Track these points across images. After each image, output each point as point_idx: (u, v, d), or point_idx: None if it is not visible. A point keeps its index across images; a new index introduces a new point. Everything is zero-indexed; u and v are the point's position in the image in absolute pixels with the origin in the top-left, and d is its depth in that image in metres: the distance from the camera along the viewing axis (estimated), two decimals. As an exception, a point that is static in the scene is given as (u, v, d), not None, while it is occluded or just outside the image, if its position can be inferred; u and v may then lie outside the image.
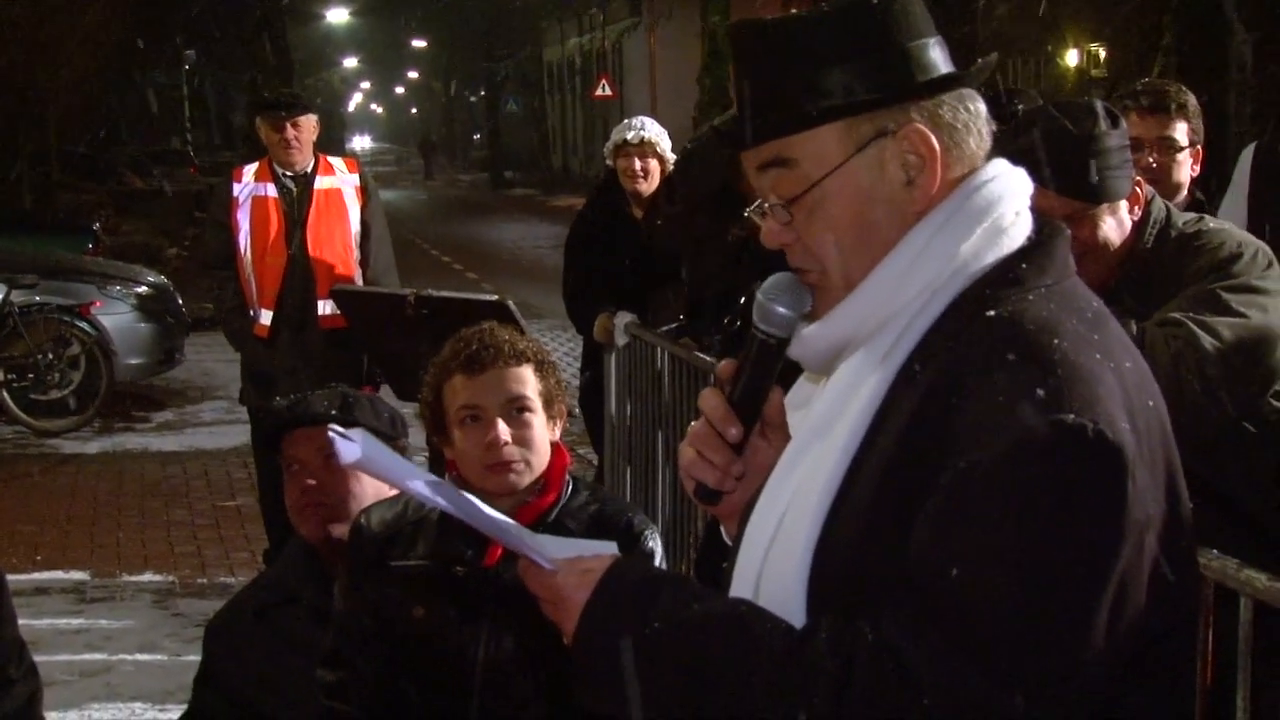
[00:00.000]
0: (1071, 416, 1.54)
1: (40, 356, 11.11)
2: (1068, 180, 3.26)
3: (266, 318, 6.88)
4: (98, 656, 6.28)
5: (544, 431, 2.94)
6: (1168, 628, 1.65)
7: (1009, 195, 1.71)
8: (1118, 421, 1.57)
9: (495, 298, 5.65)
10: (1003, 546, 1.53)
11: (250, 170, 7.07)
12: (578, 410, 7.37)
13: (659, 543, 3.01)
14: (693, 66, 30.58)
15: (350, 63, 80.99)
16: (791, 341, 1.78)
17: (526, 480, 2.92)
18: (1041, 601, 1.53)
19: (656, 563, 2.97)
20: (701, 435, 1.82)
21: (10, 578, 3.45)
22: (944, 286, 1.67)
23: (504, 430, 2.88)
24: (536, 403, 2.93)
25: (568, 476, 3.01)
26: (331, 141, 50.84)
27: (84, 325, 11.32)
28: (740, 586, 1.75)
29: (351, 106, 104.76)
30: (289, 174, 6.95)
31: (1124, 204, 3.37)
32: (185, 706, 3.53)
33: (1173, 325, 3.23)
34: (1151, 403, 1.66)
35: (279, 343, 6.90)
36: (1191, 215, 3.54)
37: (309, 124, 6.98)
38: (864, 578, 1.61)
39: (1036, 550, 1.53)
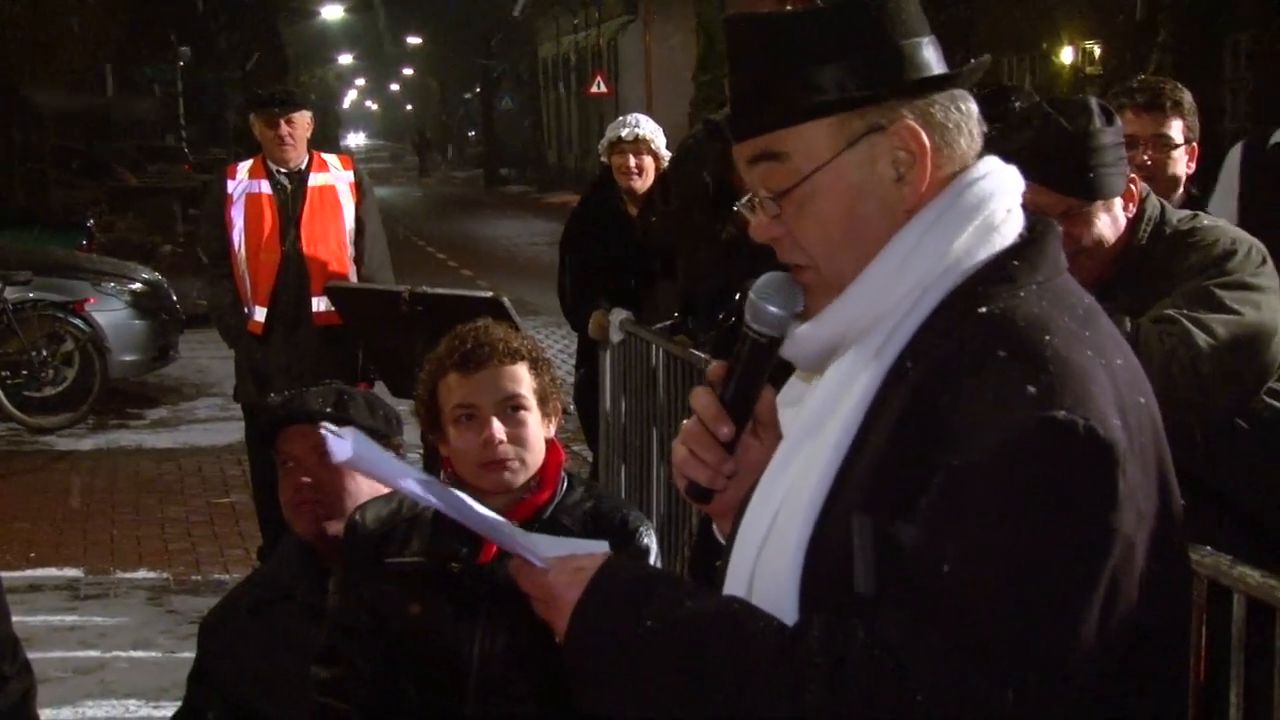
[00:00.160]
0: (1063, 413, 1.54)
1: (34, 353, 11.10)
2: (1063, 177, 3.26)
3: (261, 314, 6.88)
4: (92, 653, 6.27)
5: (539, 429, 2.94)
6: (1159, 624, 1.65)
7: (1000, 193, 1.72)
8: (1109, 418, 1.57)
9: (490, 294, 5.65)
10: (995, 543, 1.53)
11: (244, 167, 7.06)
12: (572, 407, 7.37)
13: (654, 539, 3.01)
14: (688, 63, 30.62)
15: (345, 59, 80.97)
16: (784, 341, 1.78)
17: (522, 478, 2.92)
18: (1033, 598, 1.53)
19: (651, 560, 2.98)
20: (693, 434, 1.83)
21: (4, 574, 3.45)
22: (935, 284, 1.68)
23: (499, 429, 2.88)
24: (531, 400, 2.93)
25: (563, 473, 3.01)
26: (326, 138, 50.79)
27: (78, 322, 11.30)
28: (734, 585, 1.75)
29: (346, 103, 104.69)
30: (283, 171, 6.94)
31: (1119, 201, 3.37)
32: (179, 704, 3.53)
33: (1167, 322, 3.23)
34: (1143, 399, 1.66)
35: (273, 340, 6.89)
36: (1186, 212, 3.55)
37: (303, 120, 6.97)
38: (857, 574, 1.61)
39: (1028, 547, 1.53)
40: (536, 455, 2.94)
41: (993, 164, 1.74)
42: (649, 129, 6.76)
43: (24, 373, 11.09)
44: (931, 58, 1.73)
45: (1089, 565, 1.55)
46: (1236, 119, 17.49)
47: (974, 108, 1.75)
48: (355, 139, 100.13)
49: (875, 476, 1.61)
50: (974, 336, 1.61)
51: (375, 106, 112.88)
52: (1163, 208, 3.48)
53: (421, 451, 5.81)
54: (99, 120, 32.64)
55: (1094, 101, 3.37)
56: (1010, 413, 1.54)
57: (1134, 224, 3.41)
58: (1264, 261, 3.36)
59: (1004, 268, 1.68)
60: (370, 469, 1.92)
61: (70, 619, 6.73)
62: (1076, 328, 1.64)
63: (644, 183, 6.70)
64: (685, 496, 1.88)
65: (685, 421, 1.85)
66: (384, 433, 3.37)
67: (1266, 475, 3.31)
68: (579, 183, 30.89)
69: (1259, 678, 2.77)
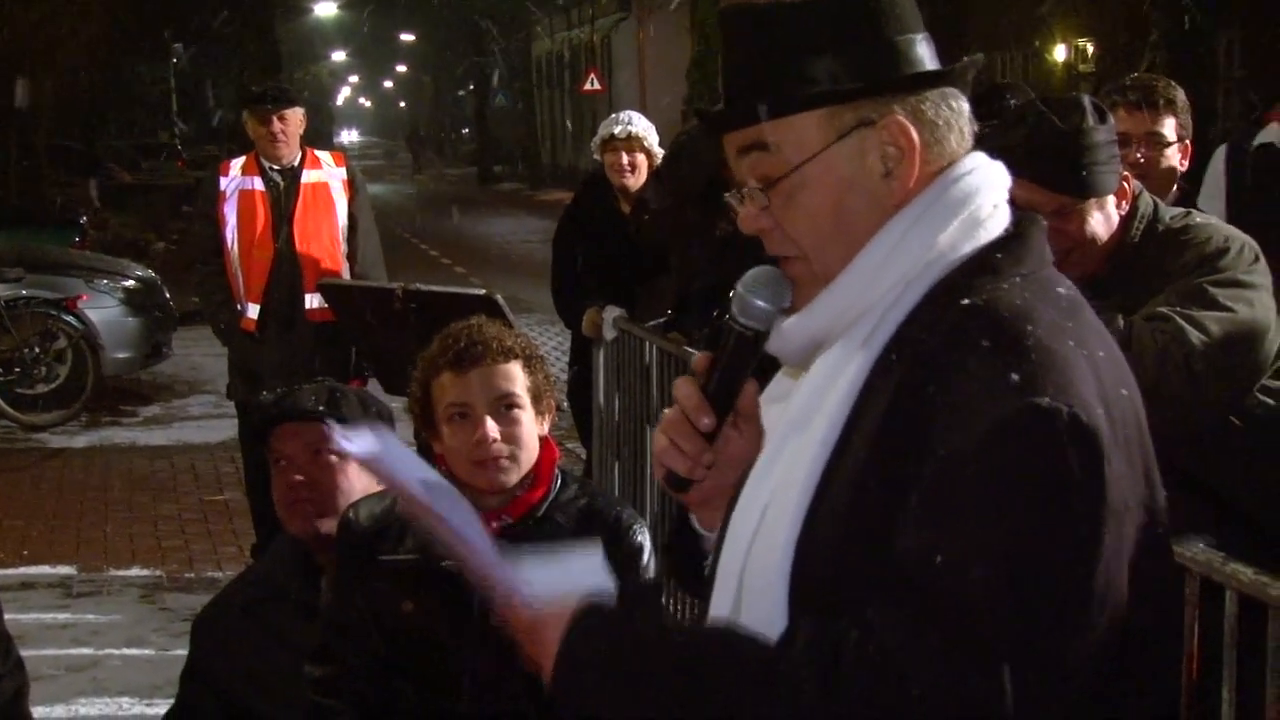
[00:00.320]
0: (1046, 400, 1.55)
1: (26, 350, 11.09)
2: (1055, 175, 3.26)
3: (253, 312, 6.87)
4: (84, 651, 6.27)
5: (532, 427, 2.94)
6: (1150, 622, 1.65)
7: (986, 187, 1.72)
8: (1093, 407, 1.57)
9: (483, 292, 5.64)
10: (985, 534, 1.53)
11: (237, 164, 7.05)
12: (566, 404, 7.38)
13: (647, 536, 3.01)
14: (682, 61, 30.59)
15: (338, 56, 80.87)
16: (770, 335, 1.78)
17: (515, 476, 2.92)
18: (1030, 593, 1.53)
19: (645, 557, 2.98)
20: (674, 423, 1.83)
21: (-3, 572, 3.44)
22: (920, 277, 1.68)
23: (492, 428, 2.88)
24: (524, 399, 2.93)
25: (557, 471, 3.01)
26: (319, 135, 50.79)
27: (71, 319, 11.29)
28: (724, 581, 1.75)
29: (340, 100, 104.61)
30: (276, 168, 6.93)
31: (1111, 199, 3.38)
32: (172, 701, 3.53)
33: (1160, 320, 3.23)
34: (1125, 391, 1.66)
35: (266, 337, 6.89)
36: (1179, 210, 3.55)
37: (295, 117, 6.96)
38: (847, 570, 1.61)
39: (1018, 536, 1.53)
40: (530, 453, 2.94)
41: (979, 159, 1.75)
42: (642, 126, 6.76)
43: (16, 370, 11.08)
44: (924, 54, 1.73)
45: (1080, 551, 1.55)
46: (1229, 117, 17.51)
47: (965, 106, 1.76)
48: (349, 136, 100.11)
49: (863, 469, 1.61)
50: (957, 327, 1.62)
51: (369, 103, 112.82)
52: (1155, 206, 3.48)
53: (415, 449, 5.82)
54: (92, 117, 32.58)
55: (1087, 99, 3.38)
56: (994, 401, 1.55)
57: (1127, 222, 3.42)
58: (1256, 259, 3.37)
59: (988, 260, 1.68)
60: (386, 469, 1.92)
61: (63, 616, 6.72)
62: (1059, 319, 1.65)
63: (637, 180, 6.70)
64: (663, 485, 1.88)
65: (666, 411, 1.86)
66: (377, 430, 3.36)
67: (1260, 472, 3.31)
68: (572, 180, 30.85)
69: (1251, 675, 2.77)
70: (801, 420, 1.71)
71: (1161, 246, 3.40)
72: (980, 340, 1.60)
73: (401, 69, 79.96)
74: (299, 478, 3.27)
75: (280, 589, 3.33)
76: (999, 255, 1.69)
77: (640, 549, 2.97)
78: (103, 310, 11.47)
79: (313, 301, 6.76)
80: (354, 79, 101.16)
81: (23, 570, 7.40)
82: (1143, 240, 3.42)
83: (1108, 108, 3.47)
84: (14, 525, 8.26)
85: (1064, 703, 1.55)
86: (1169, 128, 4.25)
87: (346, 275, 6.89)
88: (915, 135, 1.70)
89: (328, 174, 7.03)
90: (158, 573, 7.41)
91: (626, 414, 6.45)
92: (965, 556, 1.53)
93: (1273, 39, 16.71)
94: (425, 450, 3.12)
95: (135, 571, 7.43)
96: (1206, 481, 3.25)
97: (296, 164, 6.96)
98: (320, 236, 6.92)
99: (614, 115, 7.01)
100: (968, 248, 1.69)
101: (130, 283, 11.94)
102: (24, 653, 3.45)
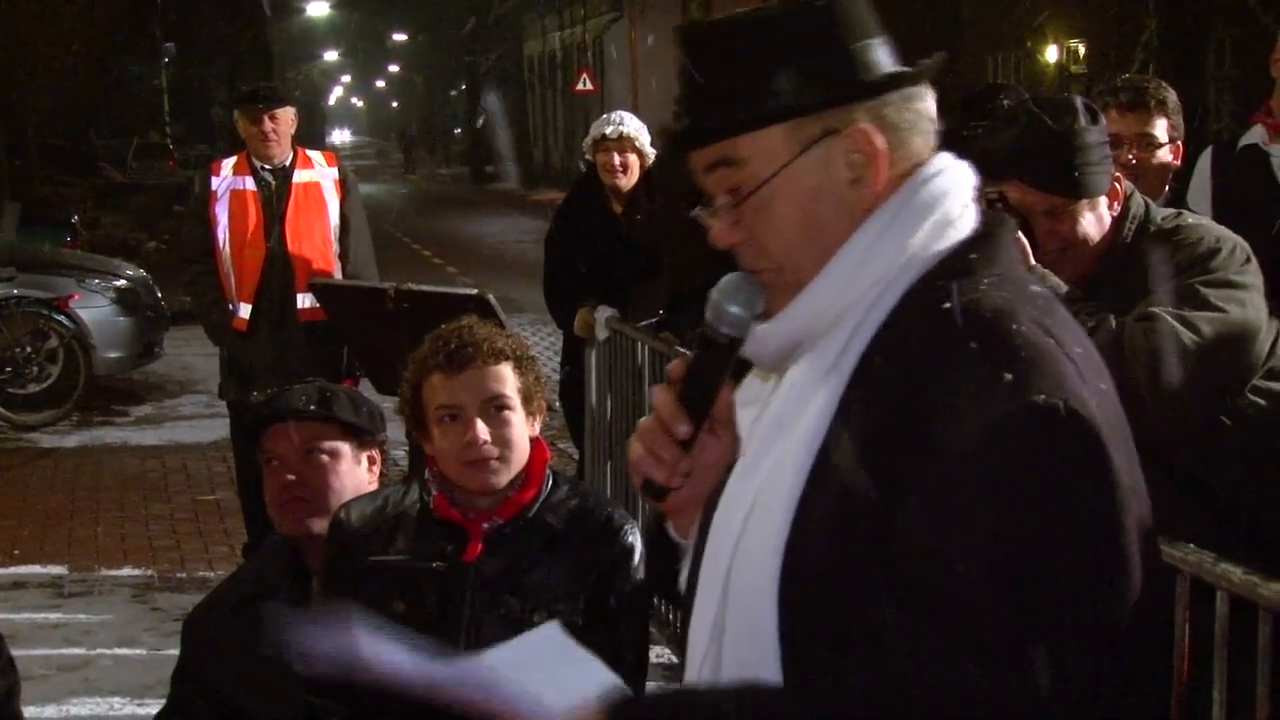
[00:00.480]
0: (1042, 397, 1.55)
1: (18, 350, 11.07)
2: (1048, 176, 3.27)
3: (245, 312, 6.86)
4: (76, 651, 6.26)
5: (523, 428, 2.94)
6: (1141, 621, 1.65)
7: (955, 189, 1.74)
8: (1087, 401, 1.58)
9: (475, 292, 5.63)
10: (989, 534, 1.53)
11: (229, 164, 7.04)
12: (558, 405, 7.37)
13: (639, 538, 3.01)
14: (674, 61, 30.58)
15: (330, 56, 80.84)
16: (744, 341, 1.79)
17: (506, 477, 2.92)
18: (1030, 586, 1.53)
19: (636, 559, 2.97)
20: (651, 432, 1.83)
21: (-12, 572, 3.44)
22: (895, 279, 1.69)
23: (483, 429, 2.88)
24: (515, 400, 2.93)
25: (548, 472, 3.01)
26: (311, 135, 50.74)
27: (62, 319, 11.27)
28: (708, 586, 1.76)
29: (332, 100, 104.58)
30: (267, 167, 6.92)
31: (1103, 200, 3.38)
32: (164, 701, 3.52)
33: (1152, 320, 3.24)
34: (1104, 387, 1.67)
35: (258, 337, 6.87)
36: (1170, 211, 3.56)
37: (287, 117, 6.95)
38: (842, 572, 1.61)
39: (1024, 535, 1.53)
40: (521, 454, 2.94)
41: (946, 160, 1.76)
42: (634, 126, 6.76)
43: (8, 369, 11.06)
44: (882, 58, 1.74)
45: (1098, 547, 1.55)
46: (1221, 117, 17.53)
47: (930, 106, 1.77)
48: (341, 136, 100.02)
49: (855, 473, 1.61)
50: (943, 332, 1.63)
51: (361, 103, 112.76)
52: (1147, 206, 3.49)
53: (406, 449, 5.82)
54: (84, 117, 32.55)
55: (1079, 100, 3.38)
56: (990, 403, 1.55)
57: (1118, 222, 3.42)
58: (1248, 260, 3.37)
59: (962, 260, 1.70)
60: (364, 663, 1.94)
61: (54, 616, 6.71)
62: (1039, 316, 1.66)
63: (629, 180, 6.70)
64: (640, 493, 1.88)
65: (642, 419, 1.86)
66: (368, 430, 3.36)
67: (1251, 472, 3.32)
68: (565, 180, 30.84)
69: (1241, 675, 2.78)
70: (784, 424, 1.72)
71: (1153, 247, 3.40)
72: (968, 342, 1.60)
73: (394, 69, 79.94)
74: (291, 477, 3.27)
75: (271, 589, 3.32)
76: (973, 255, 1.70)
77: (631, 550, 2.97)
78: (94, 310, 11.45)
79: (304, 301, 6.75)
80: (346, 79, 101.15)
81: (14, 570, 7.38)
82: (1134, 241, 3.42)
83: (1099, 109, 3.48)
84: (5, 525, 8.24)
85: (1066, 702, 1.55)
86: (1160, 128, 4.25)
87: (338, 275, 6.88)
88: (879, 141, 1.70)
89: (320, 174, 7.02)
90: (149, 572, 7.40)
91: (619, 414, 6.45)
92: (969, 557, 1.53)
93: (1263, 39, 16.72)
94: (416, 451, 3.12)
95: (127, 571, 7.42)
96: (1207, 482, 3.26)
97: (288, 164, 6.95)
98: (312, 236, 6.91)
99: (606, 115, 7.01)
100: (940, 248, 1.70)
101: (122, 282, 11.93)
102: (15, 652, 3.44)
